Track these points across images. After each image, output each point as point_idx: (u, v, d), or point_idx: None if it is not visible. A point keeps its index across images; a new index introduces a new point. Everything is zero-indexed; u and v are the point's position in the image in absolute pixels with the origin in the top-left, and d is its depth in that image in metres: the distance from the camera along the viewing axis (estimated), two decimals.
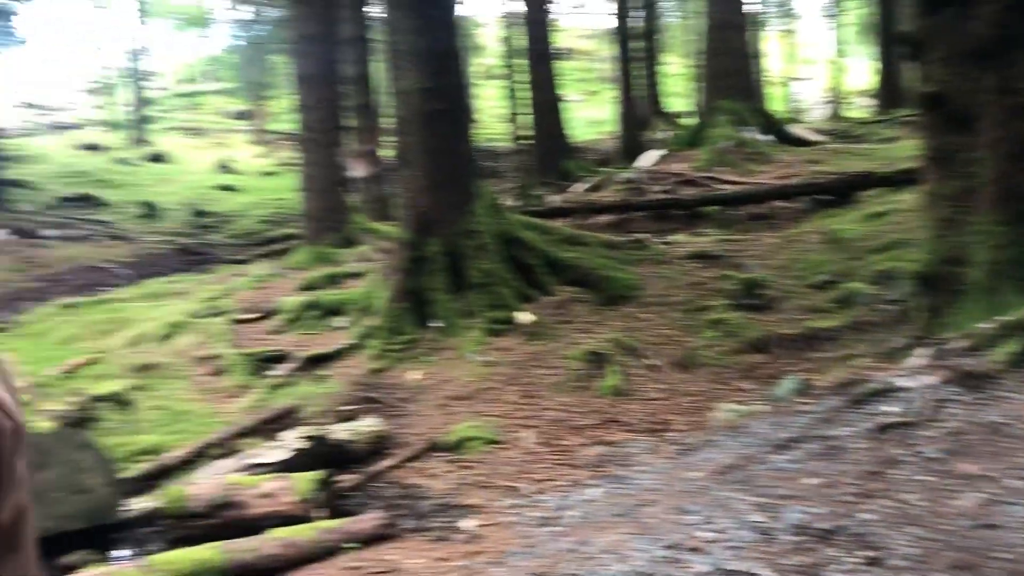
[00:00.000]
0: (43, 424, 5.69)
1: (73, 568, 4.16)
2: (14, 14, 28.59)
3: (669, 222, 10.88)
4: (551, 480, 5.15)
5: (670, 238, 9.93)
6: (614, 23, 20.93)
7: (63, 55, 61.89)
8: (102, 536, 4.65)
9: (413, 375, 7.20)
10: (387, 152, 15.48)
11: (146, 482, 5.35)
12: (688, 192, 11.98)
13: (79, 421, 6.21)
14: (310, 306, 8.89)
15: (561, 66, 19.64)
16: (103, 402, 6.63)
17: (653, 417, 6.02)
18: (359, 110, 14.80)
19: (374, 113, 15.50)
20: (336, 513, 4.72)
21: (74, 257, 14.80)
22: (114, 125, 33.19)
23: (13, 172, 21.46)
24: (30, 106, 39.76)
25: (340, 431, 5.85)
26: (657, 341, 7.18)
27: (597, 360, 6.75)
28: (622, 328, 7.35)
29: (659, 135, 19.39)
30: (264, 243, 15.16)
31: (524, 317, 7.56)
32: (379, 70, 16.24)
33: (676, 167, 13.41)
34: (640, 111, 20.65)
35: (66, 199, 20.84)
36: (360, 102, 14.79)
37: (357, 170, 14.04)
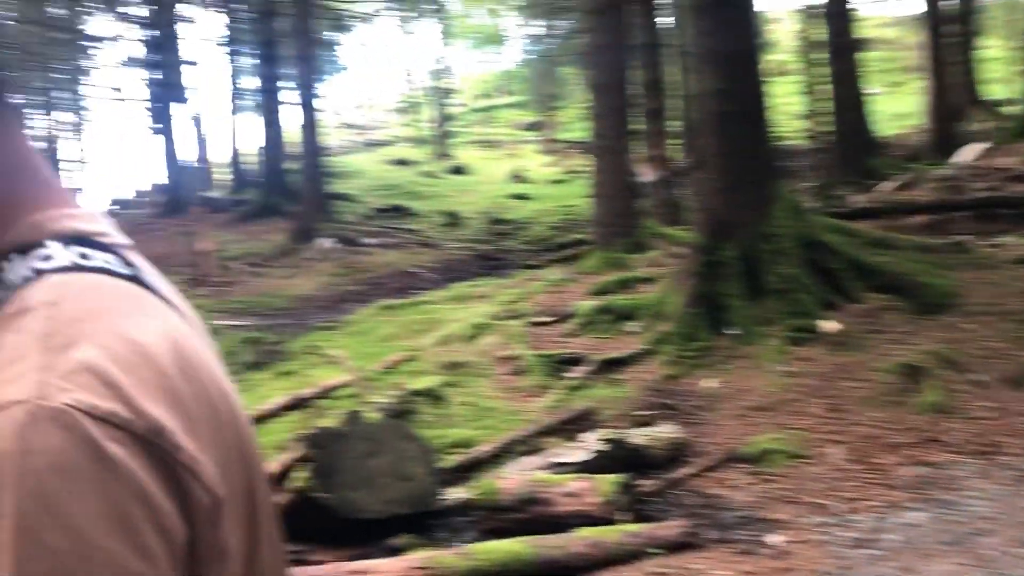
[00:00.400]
0: (372, 415, 6.26)
1: (399, 550, 4.54)
2: (338, 44, 31.96)
3: (996, 223, 9.81)
4: (864, 500, 4.83)
5: (998, 240, 8.96)
6: (923, 7, 19.30)
7: (375, 78, 68.09)
8: (422, 522, 5.02)
9: (708, 383, 7.08)
10: (676, 156, 15.40)
11: (458, 474, 5.71)
12: (1019, 189, 10.74)
13: (400, 413, 6.77)
14: (603, 310, 9.04)
15: (863, 58, 18.42)
16: (419, 396, 7.17)
17: (981, 438, 5.46)
18: (648, 115, 14.87)
19: (663, 117, 15.49)
20: (637, 517, 4.75)
21: (389, 263, 16.22)
22: (419, 141, 35.99)
23: (337, 186, 23.96)
24: (348, 126, 44.21)
25: (638, 436, 5.88)
26: (983, 354, 6.50)
27: (913, 373, 6.23)
28: (941, 339, 6.74)
29: (977, 127, 17.59)
30: (556, 249, 15.65)
31: (828, 326, 7.17)
32: (668, 74, 16.21)
33: (1002, 161, 12.09)
34: (953, 101, 18.85)
35: (380, 210, 22.90)
36: (650, 107, 14.85)
37: (647, 175, 14.11)
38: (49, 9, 29.07)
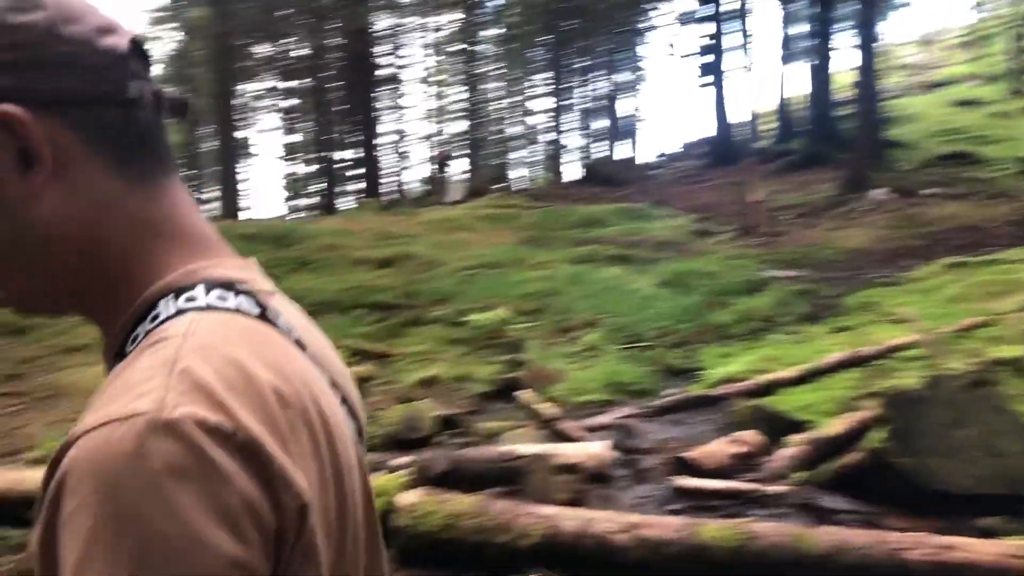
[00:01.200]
0: (954, 382, 5.77)
1: (992, 533, 4.13)
2: None
3: None
4: None
5: None
6: None
7: (937, 11, 61.88)
8: (1012, 505, 4.51)
9: None
10: None
11: None
12: None
13: (977, 383, 6.14)
14: None
15: None
16: (1001, 366, 6.42)
17: None
18: None
19: None
20: None
21: (953, 216, 14.75)
22: (990, 78, 31.92)
23: (892, 133, 22.43)
24: (904, 67, 41.02)
25: None
26: None
27: None
28: None
29: None
30: None
31: None
32: None
33: None
34: None
35: (941, 157, 20.91)
36: None
37: None
38: None
